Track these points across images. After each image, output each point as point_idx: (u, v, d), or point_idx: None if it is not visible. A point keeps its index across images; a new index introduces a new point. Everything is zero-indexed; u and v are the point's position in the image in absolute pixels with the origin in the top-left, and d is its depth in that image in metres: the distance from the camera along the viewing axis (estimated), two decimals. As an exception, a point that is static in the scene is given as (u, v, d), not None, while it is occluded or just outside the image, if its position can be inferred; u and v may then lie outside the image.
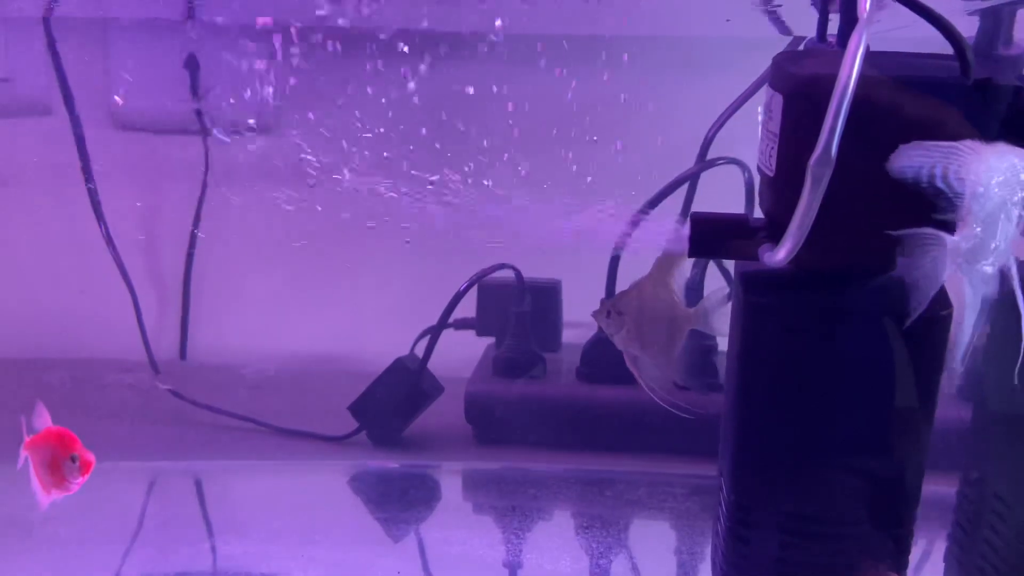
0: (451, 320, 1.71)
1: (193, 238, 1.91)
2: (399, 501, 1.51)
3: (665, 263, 1.05)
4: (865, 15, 0.74)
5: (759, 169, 0.90)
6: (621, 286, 1.68)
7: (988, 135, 0.81)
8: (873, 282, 0.89)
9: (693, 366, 1.53)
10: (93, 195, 1.77)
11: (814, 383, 0.88)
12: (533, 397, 1.67)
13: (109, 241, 1.79)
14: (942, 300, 0.88)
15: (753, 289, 0.90)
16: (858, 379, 0.88)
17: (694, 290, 1.60)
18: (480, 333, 1.80)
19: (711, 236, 0.90)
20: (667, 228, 0.98)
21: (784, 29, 1.53)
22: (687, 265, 1.19)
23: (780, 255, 0.79)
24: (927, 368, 0.86)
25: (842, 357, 0.87)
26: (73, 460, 1.08)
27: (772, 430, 0.90)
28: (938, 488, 1.06)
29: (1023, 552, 0.95)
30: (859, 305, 0.87)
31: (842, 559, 0.91)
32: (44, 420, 1.11)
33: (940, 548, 1.11)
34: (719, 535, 0.98)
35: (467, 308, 1.75)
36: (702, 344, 1.58)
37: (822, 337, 0.87)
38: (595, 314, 1.07)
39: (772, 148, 0.86)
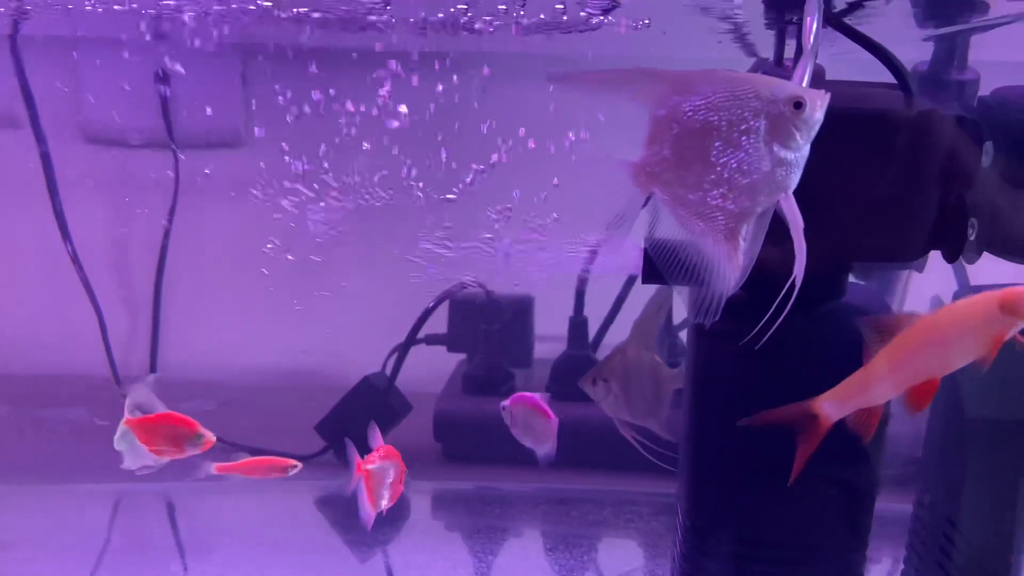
0: (423, 336, 1.70)
1: (163, 252, 1.89)
2: (367, 521, 1.51)
3: (643, 326, 1.06)
4: (809, 47, 0.75)
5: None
6: (590, 304, 1.69)
7: (933, 162, 0.82)
8: (824, 307, 0.90)
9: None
10: (59, 208, 1.75)
11: (766, 408, 0.88)
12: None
13: (74, 258, 1.77)
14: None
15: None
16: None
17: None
18: (451, 349, 1.79)
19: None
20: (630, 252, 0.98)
21: (751, 52, 1.54)
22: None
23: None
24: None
25: (794, 382, 0.87)
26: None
27: (726, 455, 0.90)
28: (899, 507, 1.07)
29: (974, 576, 0.95)
30: (811, 330, 0.87)
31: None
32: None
33: (898, 571, 1.12)
34: (675, 560, 0.98)
35: (440, 323, 1.75)
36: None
37: (774, 362, 0.87)
38: (582, 383, 1.08)
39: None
